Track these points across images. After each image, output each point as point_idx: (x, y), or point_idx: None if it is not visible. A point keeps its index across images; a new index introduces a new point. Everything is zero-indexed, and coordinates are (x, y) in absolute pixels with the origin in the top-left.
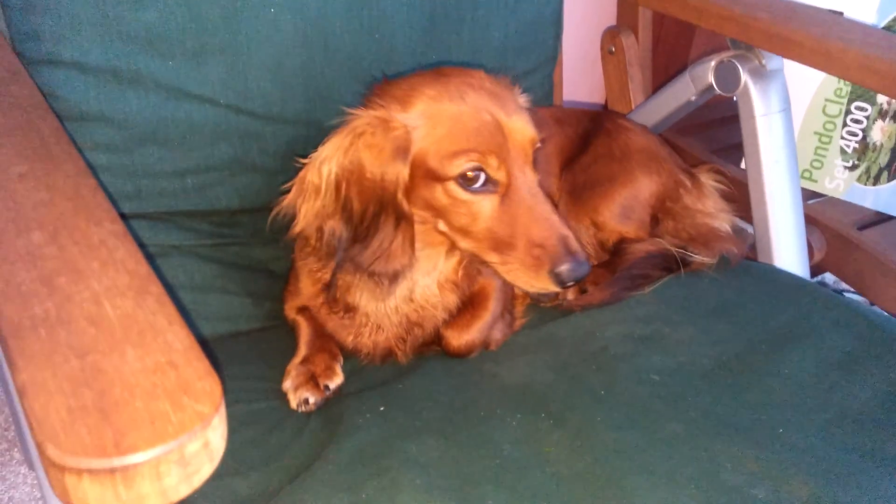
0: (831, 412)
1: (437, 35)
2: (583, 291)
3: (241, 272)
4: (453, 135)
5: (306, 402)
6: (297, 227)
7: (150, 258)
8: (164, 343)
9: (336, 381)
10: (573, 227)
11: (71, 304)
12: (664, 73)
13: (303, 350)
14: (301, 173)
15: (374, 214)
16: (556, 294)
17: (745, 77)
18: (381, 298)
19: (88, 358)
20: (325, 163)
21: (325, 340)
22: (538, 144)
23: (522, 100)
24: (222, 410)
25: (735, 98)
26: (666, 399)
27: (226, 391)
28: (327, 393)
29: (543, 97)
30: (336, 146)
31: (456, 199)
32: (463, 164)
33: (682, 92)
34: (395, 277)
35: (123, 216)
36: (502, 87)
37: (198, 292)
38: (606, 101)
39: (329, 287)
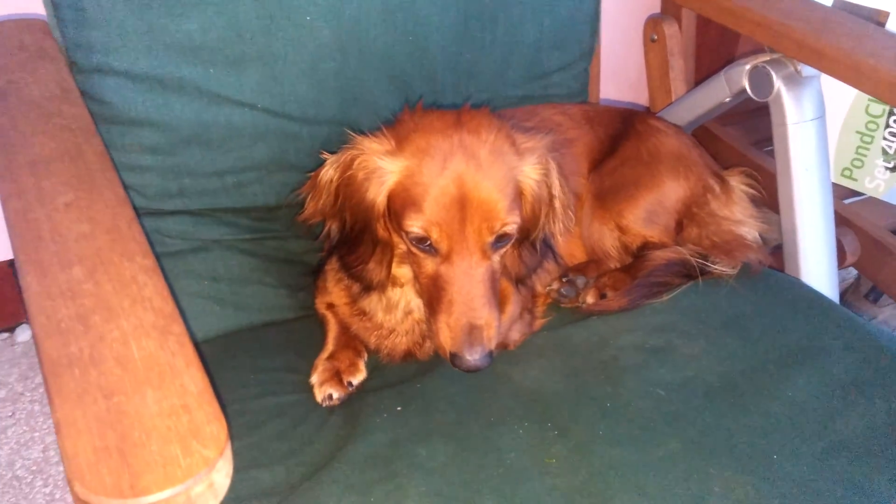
0: (828, 440)
1: (471, 34)
2: (602, 296)
3: (278, 265)
4: (417, 194)
5: (330, 397)
6: (302, 216)
7: (193, 252)
8: (181, 386)
9: (359, 377)
10: (597, 229)
11: (103, 343)
12: (710, 63)
13: (330, 346)
14: (317, 171)
15: (359, 229)
16: (577, 296)
17: (778, 83)
18: (387, 310)
19: (114, 399)
20: (330, 170)
21: (350, 337)
22: (506, 229)
23: (530, 169)
24: (227, 453)
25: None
26: (668, 416)
27: (258, 383)
28: (350, 389)
29: (578, 92)
30: (338, 159)
31: (407, 246)
32: (412, 225)
33: (717, 93)
34: (372, 287)
35: (168, 212)
36: (500, 160)
37: (236, 284)
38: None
39: (319, 267)
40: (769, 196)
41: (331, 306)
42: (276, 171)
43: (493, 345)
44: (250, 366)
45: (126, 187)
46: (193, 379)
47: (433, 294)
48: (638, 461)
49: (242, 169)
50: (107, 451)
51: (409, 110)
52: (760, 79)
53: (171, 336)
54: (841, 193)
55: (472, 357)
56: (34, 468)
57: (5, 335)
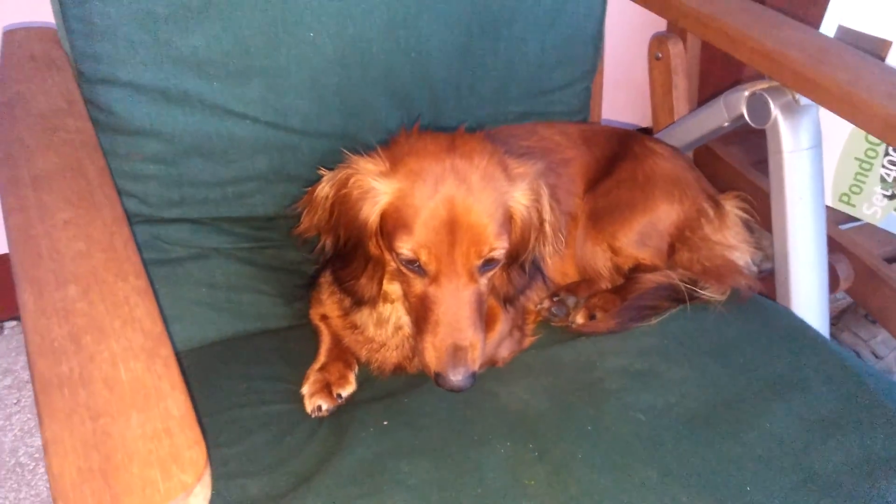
0: (801, 474)
1: (473, 52)
2: (592, 317)
3: (275, 273)
4: (408, 216)
5: (319, 408)
6: (298, 230)
7: (192, 259)
8: (164, 410)
9: (348, 389)
10: (590, 250)
11: (93, 364)
12: (718, 83)
13: (322, 358)
14: (314, 186)
15: (352, 246)
16: (567, 315)
17: (775, 111)
18: (378, 324)
19: (100, 421)
20: (325, 187)
21: (342, 350)
22: (494, 254)
23: (520, 195)
24: (205, 478)
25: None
26: (647, 441)
27: (250, 392)
28: (339, 401)
29: (579, 109)
30: (334, 177)
31: (397, 265)
32: (402, 247)
33: (715, 117)
34: (363, 302)
35: (169, 220)
36: (491, 186)
37: (233, 291)
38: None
39: (314, 278)
40: (767, 218)
41: (324, 318)
42: (277, 181)
43: (476, 366)
44: (244, 374)
45: (128, 195)
46: (177, 403)
47: (420, 313)
48: (614, 487)
49: (243, 179)
50: (91, 473)
51: (405, 131)
52: (758, 106)
53: (158, 359)
54: (837, 218)
55: (456, 378)
56: (37, 455)
57: (12, 323)
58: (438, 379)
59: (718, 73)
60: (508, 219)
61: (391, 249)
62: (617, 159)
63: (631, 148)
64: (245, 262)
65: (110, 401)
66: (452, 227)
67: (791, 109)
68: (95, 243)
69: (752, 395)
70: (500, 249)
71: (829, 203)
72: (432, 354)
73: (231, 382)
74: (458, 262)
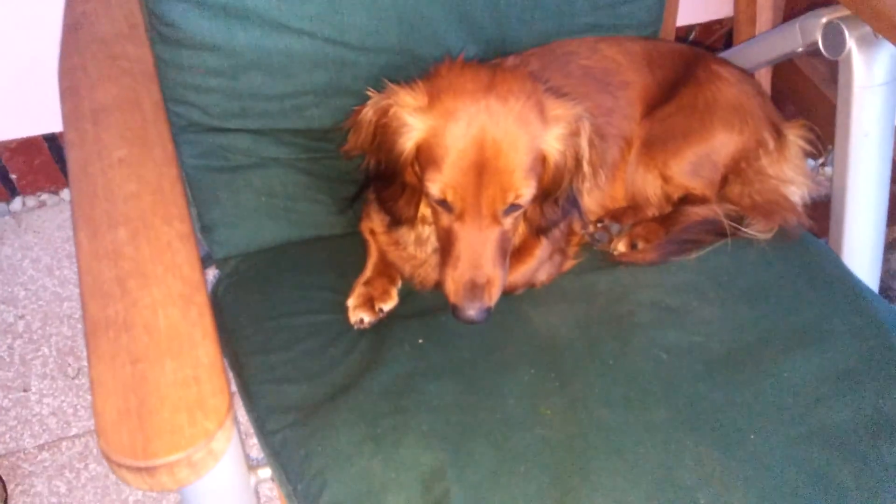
0: (806, 427)
1: None
2: (633, 246)
3: (331, 183)
4: (438, 155)
5: (361, 321)
6: (345, 147)
7: (252, 168)
8: (195, 358)
9: (390, 304)
10: (641, 176)
11: (135, 309)
12: None
13: (368, 272)
14: (360, 107)
15: (390, 172)
16: (609, 241)
17: (850, 43)
18: (417, 243)
19: (139, 366)
20: (370, 112)
21: (387, 265)
22: (519, 201)
23: (554, 138)
24: (227, 424)
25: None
26: (664, 381)
27: (300, 300)
28: (381, 314)
29: (649, 23)
30: (377, 102)
31: (428, 197)
32: (430, 183)
33: (789, 42)
34: (401, 223)
35: (231, 130)
36: (524, 129)
37: (290, 200)
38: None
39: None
40: None
41: (372, 232)
42: (334, 95)
43: (493, 302)
44: (297, 282)
45: (191, 105)
46: (207, 351)
47: (445, 245)
48: (623, 424)
49: (301, 93)
50: (128, 414)
51: (449, 62)
52: (834, 35)
53: (193, 306)
54: None
55: (470, 313)
56: None
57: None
58: (455, 311)
59: None
60: (541, 162)
61: (423, 178)
62: (680, 84)
63: (695, 73)
64: (302, 172)
65: (149, 346)
66: (480, 171)
67: (867, 42)
68: (146, 184)
69: (776, 342)
70: (525, 196)
71: None
72: (451, 287)
73: (283, 291)
74: (484, 203)
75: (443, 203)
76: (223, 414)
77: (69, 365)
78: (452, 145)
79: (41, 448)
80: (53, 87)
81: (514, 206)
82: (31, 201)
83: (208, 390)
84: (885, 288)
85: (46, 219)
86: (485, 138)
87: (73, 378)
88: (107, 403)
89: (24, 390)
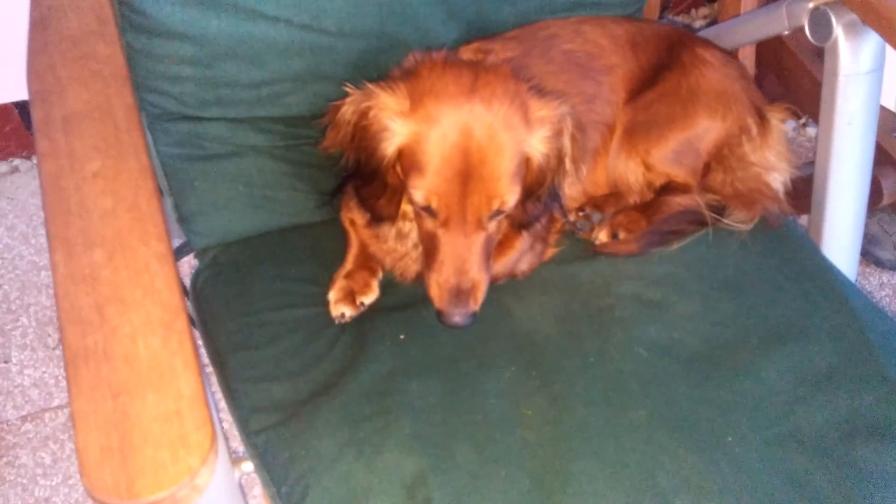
0: (784, 428)
1: None
2: (615, 235)
3: (310, 170)
4: (422, 161)
5: (343, 315)
6: (322, 144)
7: (228, 156)
8: (177, 391)
9: (371, 297)
10: (623, 163)
11: (115, 338)
12: None
13: (348, 265)
14: (339, 103)
15: (371, 172)
16: (591, 229)
17: (837, 30)
18: (398, 238)
19: (120, 399)
20: (348, 110)
21: (367, 257)
22: (504, 207)
23: (538, 142)
24: (210, 458)
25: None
26: (643, 380)
27: (280, 294)
28: (362, 308)
29: (634, 1)
30: (357, 101)
31: (411, 201)
32: (414, 190)
33: (775, 24)
34: (382, 220)
35: (206, 118)
36: (508, 134)
37: (268, 188)
38: None
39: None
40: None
41: (353, 222)
42: (312, 81)
43: (478, 306)
44: (277, 274)
45: (166, 94)
46: (188, 383)
47: (429, 249)
48: (604, 425)
49: (278, 80)
50: (110, 451)
51: (430, 60)
52: (820, 21)
53: (173, 334)
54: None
55: (456, 318)
56: None
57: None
58: (440, 316)
59: None
60: (524, 165)
61: (406, 186)
62: (664, 68)
63: (679, 56)
64: (281, 160)
65: (129, 378)
66: (465, 178)
67: (854, 30)
68: (121, 200)
69: (755, 339)
70: (510, 203)
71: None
72: (436, 293)
73: (263, 284)
74: (468, 210)
75: (427, 209)
76: (206, 449)
77: (49, 335)
78: (436, 152)
79: (24, 419)
80: (21, 56)
81: (498, 212)
82: (3, 167)
83: (191, 425)
84: (863, 252)
85: (20, 185)
86: (469, 145)
87: (53, 349)
88: (88, 439)
89: (5, 361)
